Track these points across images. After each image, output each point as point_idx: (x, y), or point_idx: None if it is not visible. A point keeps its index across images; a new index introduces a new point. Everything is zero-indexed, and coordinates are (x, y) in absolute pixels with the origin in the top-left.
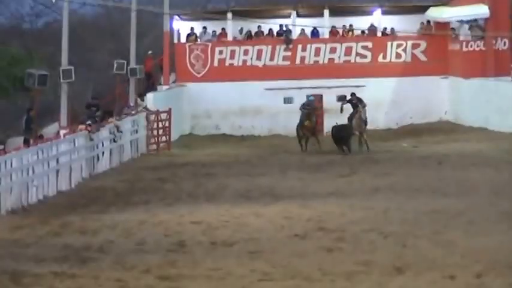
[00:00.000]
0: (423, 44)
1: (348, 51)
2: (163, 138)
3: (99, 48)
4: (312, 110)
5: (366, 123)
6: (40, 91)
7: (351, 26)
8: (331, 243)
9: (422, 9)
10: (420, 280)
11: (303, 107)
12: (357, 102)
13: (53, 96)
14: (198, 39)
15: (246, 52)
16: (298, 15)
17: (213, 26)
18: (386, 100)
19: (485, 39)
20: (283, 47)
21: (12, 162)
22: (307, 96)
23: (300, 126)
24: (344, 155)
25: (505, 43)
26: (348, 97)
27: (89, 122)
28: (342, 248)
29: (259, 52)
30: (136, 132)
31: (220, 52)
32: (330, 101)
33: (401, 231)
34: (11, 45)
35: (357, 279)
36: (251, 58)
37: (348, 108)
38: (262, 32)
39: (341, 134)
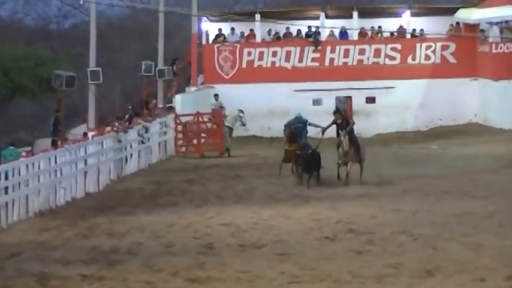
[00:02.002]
0: (452, 46)
1: (377, 53)
2: (203, 141)
3: (126, 50)
4: (299, 128)
5: (357, 144)
6: (67, 92)
7: (379, 27)
8: (361, 246)
9: (452, 10)
10: (450, 283)
11: (288, 123)
12: (342, 122)
13: (80, 97)
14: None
15: (274, 53)
16: (327, 17)
17: (241, 27)
18: (415, 102)
19: None
20: (312, 48)
21: (40, 163)
22: (297, 117)
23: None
24: (313, 184)
25: None
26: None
27: (116, 123)
28: (371, 250)
29: (288, 53)
30: (165, 134)
31: (249, 53)
32: (358, 102)
33: (430, 233)
34: (37, 46)
35: (387, 281)
36: (280, 59)
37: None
38: (291, 34)
39: (311, 162)
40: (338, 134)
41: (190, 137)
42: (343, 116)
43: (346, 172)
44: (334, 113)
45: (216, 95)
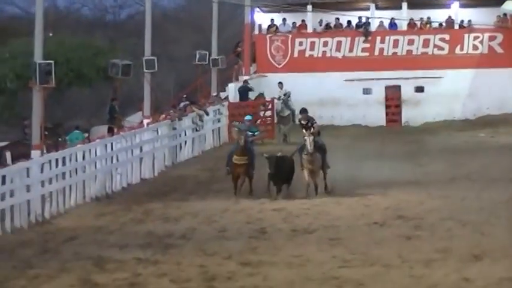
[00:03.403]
0: (499, 36)
1: (426, 43)
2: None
3: (180, 40)
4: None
5: (322, 150)
6: (123, 81)
7: (428, 18)
8: (410, 231)
9: (499, 2)
10: (497, 267)
11: (239, 129)
12: (307, 123)
13: (135, 86)
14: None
15: (325, 43)
16: (377, 8)
17: (293, 18)
18: (463, 91)
19: None
20: (362, 38)
21: (97, 150)
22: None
23: (229, 158)
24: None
25: None
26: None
27: (171, 110)
28: (420, 235)
29: (339, 44)
30: (219, 121)
31: (300, 43)
32: (407, 91)
33: (478, 219)
34: (94, 36)
35: (435, 266)
36: (330, 49)
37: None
38: (341, 24)
39: (282, 171)
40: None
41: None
42: (309, 117)
43: (314, 182)
44: (301, 112)
45: (280, 83)
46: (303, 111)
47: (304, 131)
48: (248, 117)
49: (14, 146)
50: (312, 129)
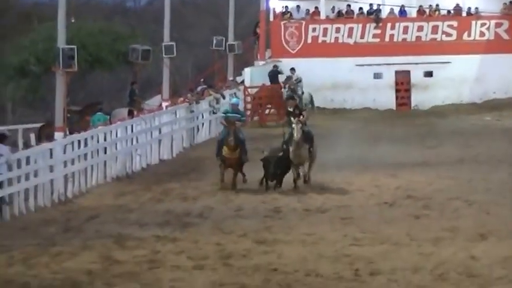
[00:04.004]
0: (505, 23)
1: (435, 30)
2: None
3: (198, 26)
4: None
5: (309, 139)
6: (142, 65)
7: (437, 6)
8: (419, 211)
9: None
10: (503, 245)
11: (226, 115)
12: (295, 110)
13: (154, 70)
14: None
15: (337, 30)
16: None
17: (306, 5)
18: (470, 76)
19: None
20: (373, 25)
21: (118, 132)
22: (233, 103)
23: (219, 147)
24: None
25: None
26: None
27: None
28: (428, 215)
29: (350, 30)
30: None
31: (314, 30)
32: (416, 76)
33: (484, 199)
34: (115, 22)
35: (443, 244)
36: (343, 35)
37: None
38: (353, 11)
39: (281, 171)
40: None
41: (256, 107)
42: (296, 104)
43: (303, 174)
44: (287, 99)
45: (292, 69)
46: (290, 97)
47: (292, 118)
48: (235, 100)
49: (50, 125)
50: (301, 116)
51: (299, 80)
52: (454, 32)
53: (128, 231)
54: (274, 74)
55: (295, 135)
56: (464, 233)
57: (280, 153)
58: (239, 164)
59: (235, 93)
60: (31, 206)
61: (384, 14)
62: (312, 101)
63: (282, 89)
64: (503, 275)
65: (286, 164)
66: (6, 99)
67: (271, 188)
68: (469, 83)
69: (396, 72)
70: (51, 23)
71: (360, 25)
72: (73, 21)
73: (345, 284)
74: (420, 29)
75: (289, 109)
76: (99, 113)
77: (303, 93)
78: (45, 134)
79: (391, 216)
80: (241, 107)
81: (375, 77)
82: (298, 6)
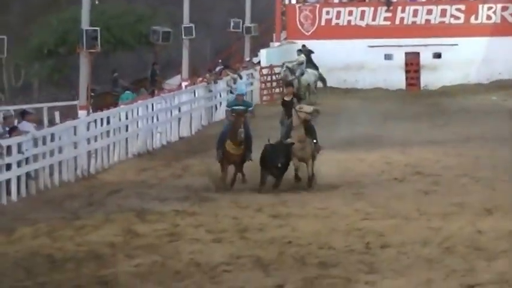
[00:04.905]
0: (511, 7)
1: (443, 13)
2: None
3: (217, 8)
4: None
5: (311, 132)
6: (163, 46)
7: None
8: (427, 187)
9: None
10: (508, 220)
11: (231, 109)
12: (293, 98)
13: (174, 51)
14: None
15: (350, 13)
16: None
17: None
18: (477, 58)
19: None
20: (384, 8)
21: (139, 110)
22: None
23: (221, 140)
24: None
25: None
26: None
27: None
28: (437, 190)
29: (363, 13)
30: (251, 84)
31: (327, 13)
32: (426, 58)
33: (491, 176)
34: (136, 4)
35: (451, 218)
36: (355, 18)
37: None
38: None
39: (279, 160)
40: (287, 115)
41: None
42: (294, 92)
43: (308, 171)
44: (286, 85)
45: (299, 50)
46: (289, 84)
47: (293, 109)
48: (241, 90)
49: (102, 96)
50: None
51: (301, 62)
52: (461, 16)
53: (149, 206)
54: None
55: (295, 121)
56: (471, 208)
57: (289, 140)
58: (242, 162)
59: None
60: (56, 181)
61: None
62: (320, 81)
63: (280, 69)
64: (509, 248)
65: (288, 156)
66: (33, 78)
67: (267, 186)
68: (476, 64)
69: (406, 53)
70: (76, 5)
71: (372, 8)
72: (97, 3)
73: (356, 257)
74: (429, 12)
75: (285, 99)
76: (128, 91)
77: (302, 74)
78: (100, 104)
79: (400, 192)
80: (256, 87)
81: (385, 58)
82: None
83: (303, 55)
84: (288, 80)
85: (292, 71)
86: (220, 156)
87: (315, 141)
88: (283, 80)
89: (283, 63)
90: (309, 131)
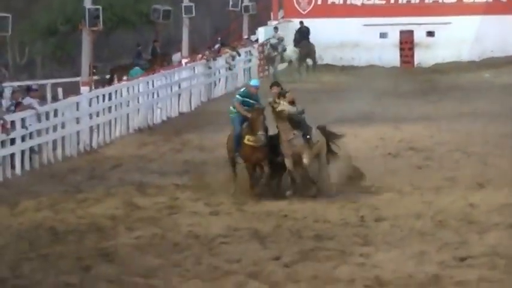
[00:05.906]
0: None
1: None
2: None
3: None
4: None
5: (303, 126)
6: (163, 25)
7: None
8: (421, 162)
9: None
10: (499, 194)
11: (242, 100)
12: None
13: (175, 29)
14: None
15: None
16: None
17: None
18: (469, 36)
19: None
20: None
21: (140, 86)
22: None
23: (238, 142)
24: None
25: None
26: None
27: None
28: (430, 165)
29: None
30: (249, 61)
31: None
32: (420, 36)
33: (483, 151)
34: None
35: (444, 192)
36: None
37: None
38: None
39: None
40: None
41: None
42: (279, 92)
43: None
44: (272, 85)
45: (275, 28)
46: (275, 83)
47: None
48: (255, 82)
49: (124, 68)
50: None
51: (281, 40)
52: None
53: (149, 179)
54: (303, 32)
55: (280, 109)
56: (463, 183)
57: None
58: (266, 157)
59: (250, 51)
60: (58, 156)
61: None
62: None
63: (264, 46)
64: (500, 221)
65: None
66: (36, 55)
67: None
68: (469, 42)
69: (400, 32)
70: None
71: None
72: None
73: (351, 230)
74: None
75: (275, 108)
76: (137, 67)
77: (284, 50)
78: (116, 76)
79: (394, 167)
80: (254, 64)
81: (380, 37)
82: None
83: (279, 32)
84: (273, 82)
85: (274, 47)
86: (239, 157)
87: (308, 136)
88: (267, 57)
89: (267, 40)
90: (295, 122)
